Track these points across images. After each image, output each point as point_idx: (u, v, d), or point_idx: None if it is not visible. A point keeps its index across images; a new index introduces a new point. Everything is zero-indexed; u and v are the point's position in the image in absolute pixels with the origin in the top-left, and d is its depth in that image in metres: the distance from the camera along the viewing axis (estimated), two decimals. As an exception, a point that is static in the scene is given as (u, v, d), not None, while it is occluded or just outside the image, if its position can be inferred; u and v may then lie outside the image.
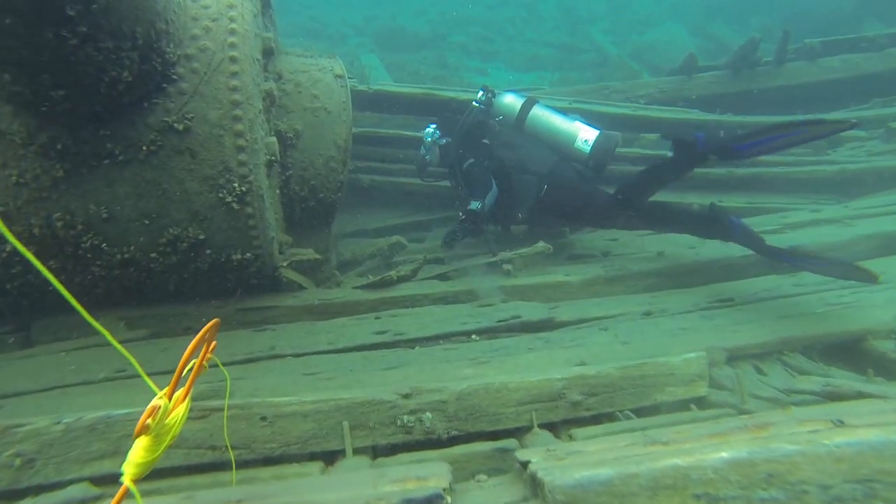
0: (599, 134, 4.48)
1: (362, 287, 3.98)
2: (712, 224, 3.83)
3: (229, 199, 3.21)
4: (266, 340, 3.43)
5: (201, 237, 3.31)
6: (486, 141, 4.82)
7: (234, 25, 3.10)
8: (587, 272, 4.05)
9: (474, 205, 4.38)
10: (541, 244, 4.11)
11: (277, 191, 4.05)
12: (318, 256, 4.10)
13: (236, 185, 3.19)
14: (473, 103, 5.01)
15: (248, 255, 3.50)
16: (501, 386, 2.47)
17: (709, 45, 12.53)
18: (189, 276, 3.52)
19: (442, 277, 4.21)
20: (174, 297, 3.67)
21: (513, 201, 4.60)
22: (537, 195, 4.46)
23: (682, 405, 2.57)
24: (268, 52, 3.65)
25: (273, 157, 3.50)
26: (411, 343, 3.41)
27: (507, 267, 4.05)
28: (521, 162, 4.66)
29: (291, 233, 4.50)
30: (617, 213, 4.21)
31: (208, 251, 3.40)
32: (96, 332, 1.36)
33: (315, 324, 3.66)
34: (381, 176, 5.55)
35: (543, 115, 4.78)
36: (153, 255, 3.28)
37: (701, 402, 2.58)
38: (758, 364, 2.93)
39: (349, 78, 4.46)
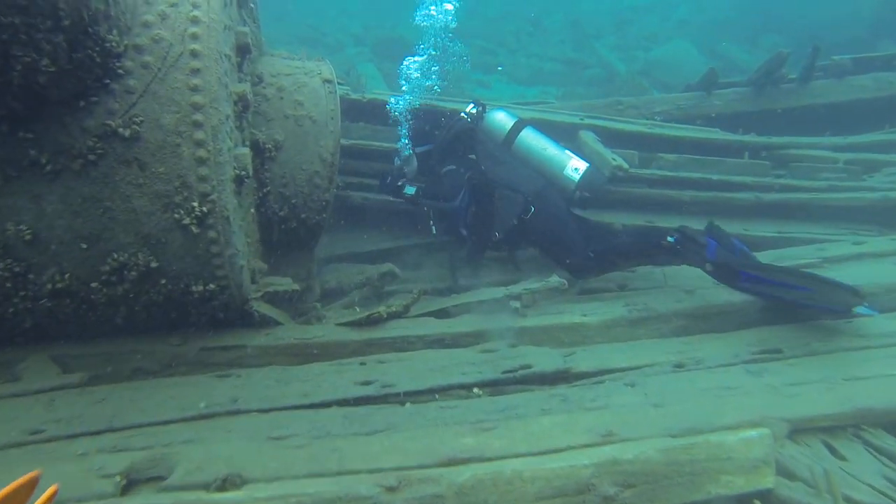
0: (589, 166, 4.43)
1: (347, 324, 3.42)
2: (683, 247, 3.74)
3: (187, 220, 2.67)
4: (228, 390, 2.87)
5: (154, 265, 2.76)
6: (472, 156, 4.53)
7: (197, 13, 2.58)
8: (606, 312, 3.51)
9: (409, 189, 4.32)
10: (555, 278, 3.57)
11: (252, 210, 3.52)
12: (296, 287, 3.55)
13: (196, 204, 2.65)
14: (462, 114, 4.73)
15: (212, 286, 2.96)
16: (514, 475, 1.92)
17: (718, 64, 12.10)
18: (141, 308, 2.97)
19: (440, 314, 3.66)
20: (124, 333, 3.12)
21: (491, 218, 4.24)
22: (521, 215, 4.17)
23: (743, 502, 2.02)
24: (242, 50, 3.13)
25: (244, 173, 2.96)
26: (401, 398, 2.85)
27: (515, 305, 3.51)
28: (508, 178, 4.35)
29: (269, 257, 3.97)
30: (586, 267, 4.09)
31: (163, 281, 2.85)
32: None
33: (289, 369, 3.10)
34: (374, 194, 5.01)
35: (534, 139, 4.63)
36: (94, 284, 2.72)
37: (768, 499, 2.02)
38: (829, 441, 2.38)
39: (340, 83, 3.94)
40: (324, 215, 3.82)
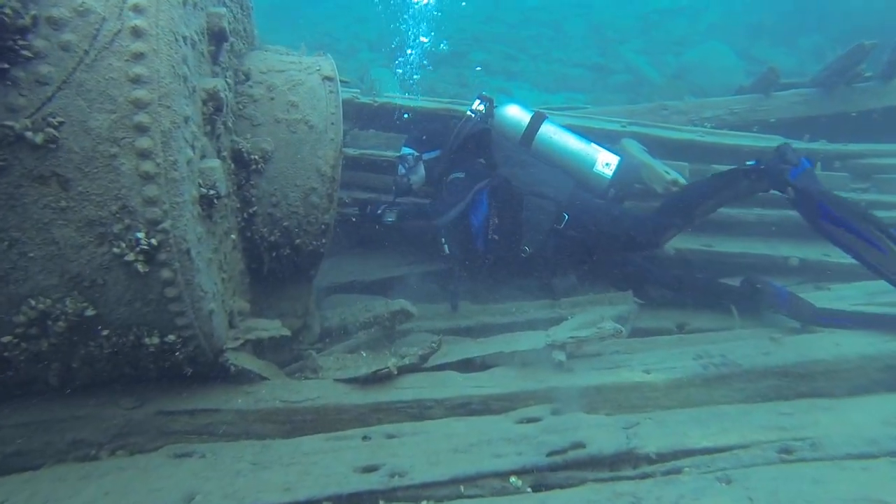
0: (622, 159, 3.94)
1: (348, 381, 2.72)
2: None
3: (130, 256, 1.99)
4: (185, 478, 2.17)
5: (89, 313, 2.08)
6: (482, 160, 3.93)
7: (142, -21, 1.91)
8: (674, 366, 2.76)
9: (389, 217, 3.78)
10: (609, 324, 2.82)
11: (233, 236, 2.84)
12: (285, 332, 2.86)
13: (141, 235, 1.97)
14: (468, 112, 4.09)
15: (171, 337, 2.27)
16: None
17: (755, 68, 11.32)
18: (79, 365, 2.30)
19: (464, 365, 2.94)
20: (62, 394, 2.45)
21: (518, 230, 3.67)
22: (553, 225, 3.63)
23: None
24: (217, 36, 2.47)
25: (213, 192, 2.28)
26: (415, 492, 2.13)
27: (558, 357, 2.77)
28: (534, 184, 3.75)
29: (258, 291, 3.30)
30: (654, 239, 3.64)
31: (104, 333, 2.18)
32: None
33: (270, 445, 2.40)
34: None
35: (556, 134, 4.01)
36: (6, 339, 2.05)
37: None
38: None
39: (343, 81, 3.27)
40: (323, 241, 3.14)
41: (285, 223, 3.03)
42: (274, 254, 3.14)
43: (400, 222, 3.74)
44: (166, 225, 2.00)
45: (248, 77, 3.06)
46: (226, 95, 2.45)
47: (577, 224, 3.67)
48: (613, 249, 3.74)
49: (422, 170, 4.05)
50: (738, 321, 3.36)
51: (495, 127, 4.07)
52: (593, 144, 3.99)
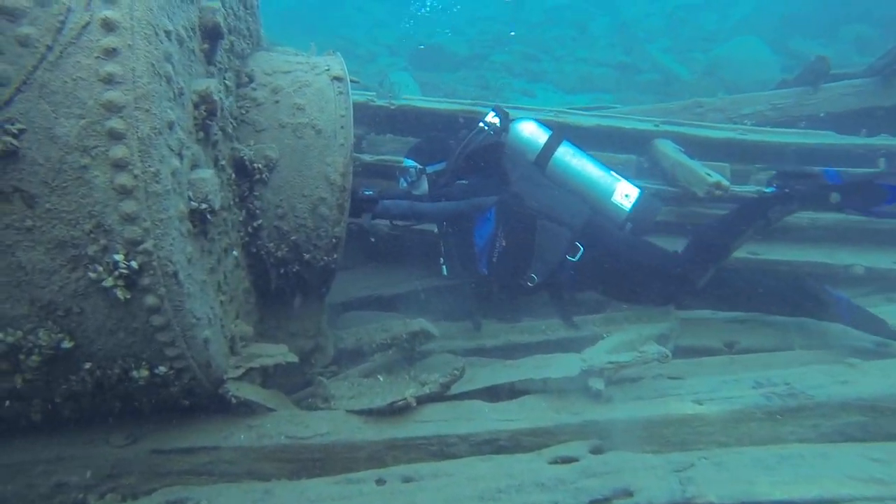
0: (642, 192, 3.59)
1: (362, 412, 2.44)
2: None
3: (109, 281, 1.74)
4: (177, 531, 1.91)
5: (66, 345, 1.85)
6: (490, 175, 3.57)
7: (115, -35, 1.66)
8: (731, 396, 2.42)
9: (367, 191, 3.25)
10: (653, 348, 2.49)
11: (235, 253, 2.59)
12: (292, 359, 2.60)
13: (120, 257, 1.73)
14: (481, 125, 3.72)
15: (162, 369, 2.03)
16: None
17: (792, 62, 10.78)
18: (62, 400, 2.07)
19: (491, 393, 2.64)
20: (47, 431, 2.22)
21: (527, 257, 3.34)
22: (566, 254, 3.30)
23: None
24: (210, 32, 2.22)
25: (205, 206, 2.03)
26: (436, 551, 1.83)
27: (596, 385, 2.45)
28: (548, 206, 3.40)
29: (267, 309, 3.06)
30: (687, 286, 3.31)
31: (86, 366, 1.94)
32: None
33: (272, 489, 2.13)
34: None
35: (574, 158, 3.65)
36: (-24, 377, 1.82)
37: None
38: None
39: (354, 82, 3.01)
40: (334, 255, 2.87)
41: (293, 237, 2.78)
42: (282, 270, 2.89)
43: (379, 200, 3.25)
44: (148, 245, 1.75)
45: (251, 79, 2.82)
46: (221, 98, 2.21)
47: (594, 257, 3.34)
48: (637, 288, 3.40)
49: (425, 184, 3.69)
50: (797, 339, 2.99)
51: (508, 143, 3.72)
52: (613, 173, 3.65)
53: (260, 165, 2.66)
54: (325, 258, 2.87)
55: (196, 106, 2.09)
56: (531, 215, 3.35)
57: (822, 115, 4.93)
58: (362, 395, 2.71)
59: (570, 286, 3.45)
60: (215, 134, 2.32)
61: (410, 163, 3.74)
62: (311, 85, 2.84)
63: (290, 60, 2.99)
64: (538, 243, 3.31)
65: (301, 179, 2.72)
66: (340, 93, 2.83)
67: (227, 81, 2.55)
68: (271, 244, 2.79)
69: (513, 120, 3.82)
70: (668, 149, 4.40)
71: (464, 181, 3.49)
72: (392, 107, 4.48)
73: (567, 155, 3.65)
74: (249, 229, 2.74)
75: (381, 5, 16.41)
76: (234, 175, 2.59)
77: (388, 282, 3.92)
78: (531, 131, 3.74)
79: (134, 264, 1.74)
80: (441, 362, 3.24)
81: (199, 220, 2.04)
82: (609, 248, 3.36)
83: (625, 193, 3.53)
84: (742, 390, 2.45)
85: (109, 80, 1.62)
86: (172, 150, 1.83)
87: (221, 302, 2.35)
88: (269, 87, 2.80)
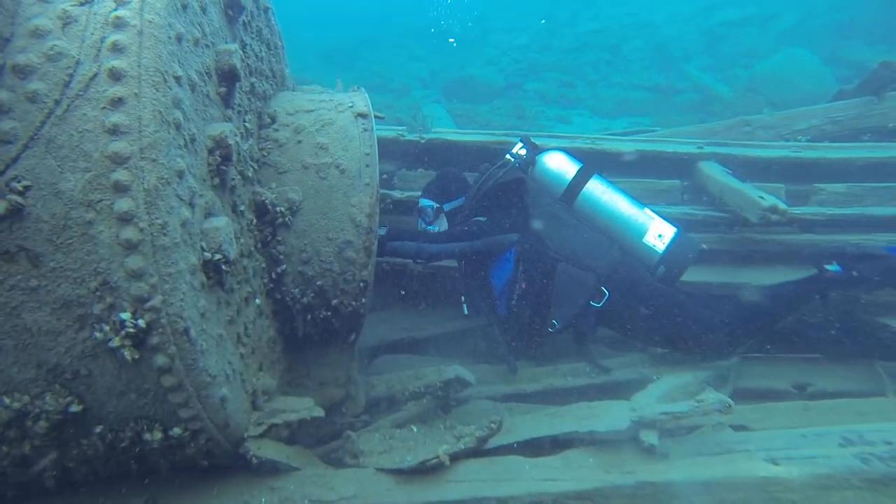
0: (678, 232, 3.29)
1: (392, 471, 2.26)
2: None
3: (116, 341, 1.64)
4: None
5: (75, 409, 1.75)
6: (513, 212, 3.34)
7: (123, 13, 1.60)
8: (813, 455, 2.11)
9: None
10: (713, 396, 2.22)
11: (257, 301, 2.49)
12: (318, 413, 2.44)
13: (127, 316, 1.62)
14: (508, 157, 3.54)
15: (177, 431, 1.91)
16: None
17: (848, 72, 10.23)
18: (76, 464, 1.96)
19: (531, 447, 2.42)
20: (59, 494, 2.12)
21: (546, 303, 3.10)
22: (589, 300, 3.06)
23: None
24: (227, 76, 2.16)
25: (220, 256, 1.93)
26: None
27: (648, 438, 2.20)
28: (570, 248, 3.17)
29: (295, 356, 2.94)
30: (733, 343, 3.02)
31: (97, 429, 1.84)
32: None
33: (294, 561, 1.95)
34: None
35: (605, 193, 3.39)
36: (-16, 445, 1.74)
37: None
38: None
39: (379, 118, 2.91)
40: (363, 300, 2.74)
41: (319, 282, 2.66)
42: (308, 317, 2.77)
43: (386, 243, 3.10)
44: (156, 302, 1.64)
45: (273, 119, 2.76)
46: (237, 142, 2.12)
47: (620, 304, 3.10)
48: (666, 344, 3.13)
49: (444, 223, 3.52)
50: (890, 384, 2.66)
51: (535, 176, 3.51)
52: (647, 210, 3.37)
53: (282, 209, 2.57)
54: (353, 303, 2.74)
55: (211, 151, 2.01)
56: (551, 259, 3.13)
57: (891, 125, 4.56)
58: (394, 450, 2.53)
59: (593, 332, 3.21)
60: (233, 179, 2.23)
61: (427, 203, 3.57)
62: (335, 123, 2.75)
63: (313, 99, 2.92)
64: (558, 288, 3.07)
65: (326, 222, 2.62)
66: (365, 130, 2.74)
67: (247, 124, 2.49)
68: (296, 290, 2.68)
69: (541, 151, 3.64)
70: (714, 172, 4.14)
71: (482, 218, 3.29)
72: (422, 141, 4.38)
73: (597, 190, 3.40)
74: (273, 275, 2.64)
75: (416, 40, 16.67)
76: (255, 220, 2.50)
77: (421, 323, 3.76)
78: (559, 164, 3.51)
79: (141, 322, 1.63)
80: (478, 410, 3.04)
81: (214, 271, 1.93)
82: (637, 296, 3.09)
83: (658, 234, 3.25)
84: (828, 448, 2.14)
85: (115, 131, 1.54)
86: (182, 199, 1.74)
87: (242, 355, 2.24)
88: (291, 128, 2.73)
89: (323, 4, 20.63)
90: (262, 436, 2.26)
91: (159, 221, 1.62)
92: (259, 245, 2.56)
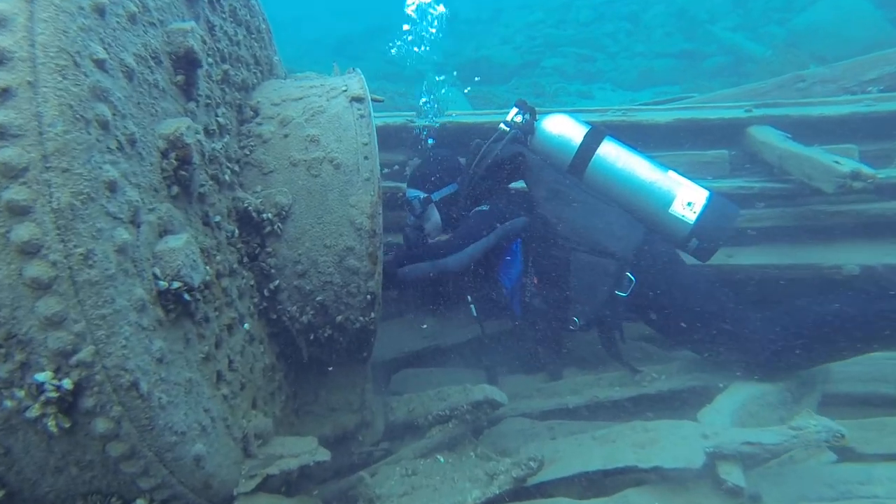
0: (710, 196, 2.76)
1: (411, 526, 1.86)
2: None
3: (36, 410, 1.26)
4: None
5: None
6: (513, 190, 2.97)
7: (10, -23, 1.20)
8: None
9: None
10: (816, 424, 1.75)
11: (245, 326, 2.10)
12: (321, 457, 2.04)
13: (45, 377, 1.24)
14: (502, 126, 3.01)
15: (141, 503, 1.53)
16: None
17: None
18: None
19: (582, 487, 1.99)
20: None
21: (563, 298, 2.65)
22: (613, 290, 2.62)
23: None
24: (186, 61, 1.75)
25: (181, 284, 1.53)
26: None
27: (731, 478, 1.74)
28: (583, 233, 2.67)
29: (301, 381, 2.58)
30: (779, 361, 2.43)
31: (44, 509, 1.47)
32: None
33: None
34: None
35: (621, 158, 2.82)
36: None
37: None
38: None
39: (377, 101, 2.49)
40: (371, 314, 2.34)
41: (319, 297, 2.27)
42: (311, 337, 2.39)
43: (396, 266, 2.70)
44: (84, 355, 1.25)
45: (256, 112, 2.36)
46: (199, 140, 1.72)
47: (650, 291, 2.62)
48: (705, 349, 2.64)
49: (435, 214, 3.04)
50: None
51: (535, 147, 2.98)
52: (671, 173, 2.81)
53: (270, 215, 2.18)
54: (361, 318, 2.34)
55: (164, 154, 1.62)
56: (563, 249, 2.65)
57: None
58: (416, 490, 2.15)
59: (621, 328, 2.74)
60: (201, 185, 1.84)
61: (413, 193, 3.09)
62: (326, 111, 2.34)
63: (302, 86, 2.51)
64: (575, 280, 2.61)
65: (321, 227, 2.21)
66: (361, 116, 2.32)
67: (219, 118, 2.09)
68: (293, 308, 2.30)
69: (539, 116, 3.09)
70: (770, 137, 3.61)
71: (483, 207, 2.83)
72: (435, 126, 3.95)
73: (611, 155, 2.83)
74: (265, 293, 2.26)
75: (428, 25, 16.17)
76: (237, 231, 2.11)
77: (445, 329, 3.34)
78: (563, 128, 2.93)
79: (67, 383, 1.25)
80: (514, 430, 2.63)
81: (175, 301, 1.54)
82: (668, 281, 2.62)
83: (687, 201, 2.71)
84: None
85: (1, 135, 1.15)
86: (117, 218, 1.34)
87: (225, 396, 1.85)
88: (276, 120, 2.33)
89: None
90: (255, 490, 1.88)
91: (79, 250, 1.22)
92: (245, 260, 2.18)
